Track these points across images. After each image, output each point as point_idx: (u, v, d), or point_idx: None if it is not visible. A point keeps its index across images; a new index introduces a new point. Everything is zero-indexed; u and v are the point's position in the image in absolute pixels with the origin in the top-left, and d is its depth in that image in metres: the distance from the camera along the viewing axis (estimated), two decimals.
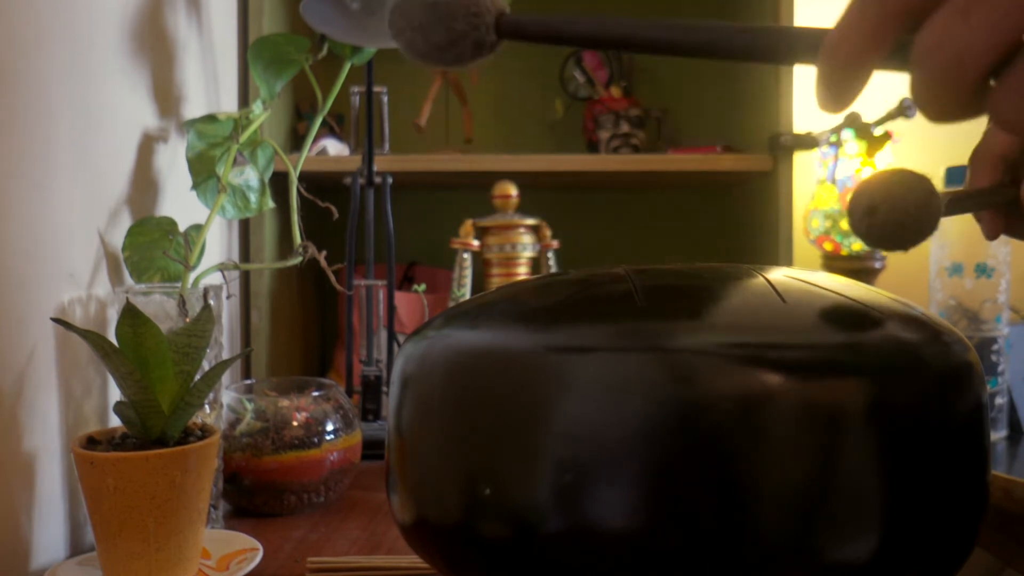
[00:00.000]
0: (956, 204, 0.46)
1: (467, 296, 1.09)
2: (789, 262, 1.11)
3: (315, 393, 0.78)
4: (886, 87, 1.31)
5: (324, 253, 0.78)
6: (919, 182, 0.41)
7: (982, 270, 0.82)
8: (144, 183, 0.79)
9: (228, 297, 0.73)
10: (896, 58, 0.31)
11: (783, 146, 1.10)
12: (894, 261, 1.20)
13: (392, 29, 0.38)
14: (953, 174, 0.84)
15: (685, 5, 1.37)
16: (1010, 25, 0.27)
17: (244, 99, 1.07)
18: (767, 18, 1.14)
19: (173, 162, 0.83)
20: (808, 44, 0.34)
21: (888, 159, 1.16)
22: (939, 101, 0.30)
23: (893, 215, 0.40)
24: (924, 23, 0.29)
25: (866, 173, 1.14)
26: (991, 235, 0.48)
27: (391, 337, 1.01)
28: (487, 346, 0.40)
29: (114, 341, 0.55)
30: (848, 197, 0.44)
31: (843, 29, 0.32)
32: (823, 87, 0.33)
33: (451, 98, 1.30)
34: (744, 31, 0.36)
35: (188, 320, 0.65)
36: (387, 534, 0.70)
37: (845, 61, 0.32)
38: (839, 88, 0.32)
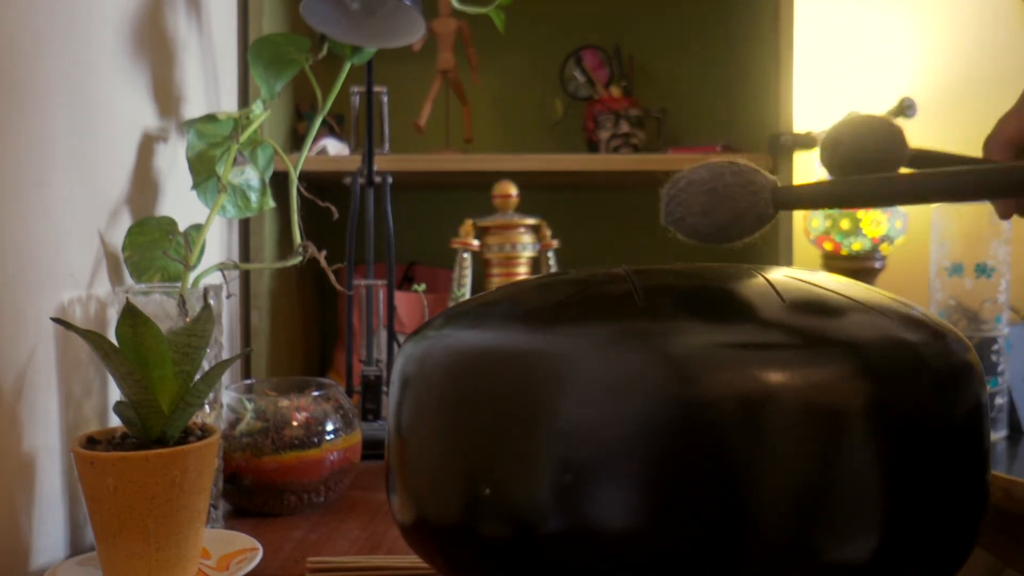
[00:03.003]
0: (930, 157, 0.48)
1: (467, 296, 1.09)
2: (789, 262, 1.11)
3: (315, 393, 0.78)
4: (886, 87, 1.31)
5: (324, 253, 0.78)
6: (885, 126, 0.44)
7: (982, 270, 0.82)
8: (144, 183, 0.79)
9: (228, 297, 0.73)
10: None
11: (783, 146, 1.10)
12: (894, 261, 1.21)
13: (669, 218, 0.42)
14: None
15: (684, 5, 1.37)
16: None
17: (244, 99, 1.07)
18: (767, 17, 1.14)
19: (173, 162, 0.83)
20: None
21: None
22: None
23: (855, 150, 0.44)
24: None
25: None
26: (1004, 215, 0.50)
27: (391, 337, 1.01)
28: (487, 346, 0.40)
29: (114, 341, 0.55)
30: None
31: None
32: None
33: (451, 98, 1.30)
34: (1010, 170, 0.38)
35: (188, 320, 0.65)
36: (387, 534, 0.70)
37: None
38: None
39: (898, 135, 0.45)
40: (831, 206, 0.42)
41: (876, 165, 0.44)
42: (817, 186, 0.42)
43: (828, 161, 0.45)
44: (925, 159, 0.47)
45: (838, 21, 1.35)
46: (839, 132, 0.45)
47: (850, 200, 0.41)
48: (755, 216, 0.40)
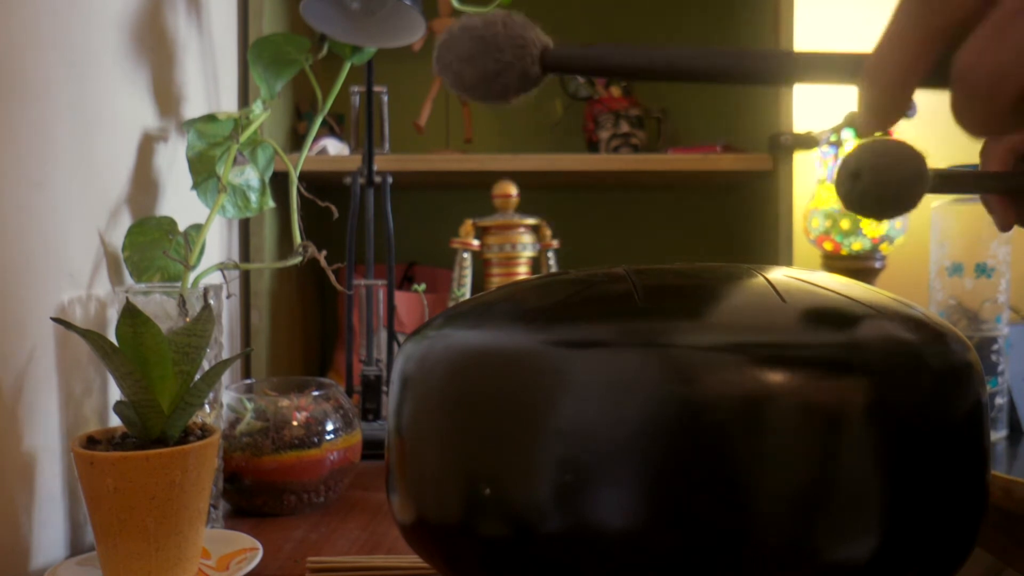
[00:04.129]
0: (951, 181, 0.46)
1: (467, 296, 1.09)
2: (789, 262, 1.11)
3: (315, 393, 0.78)
4: None
5: (324, 253, 0.78)
6: (908, 154, 0.42)
7: (982, 270, 0.82)
8: (144, 183, 0.79)
9: (228, 297, 0.73)
10: (936, 77, 0.32)
11: (783, 146, 1.10)
12: (894, 261, 1.21)
13: (438, 64, 0.39)
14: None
15: (684, 4, 1.37)
16: None
17: (244, 99, 1.07)
18: (767, 17, 1.14)
19: (173, 162, 0.83)
20: (847, 66, 0.34)
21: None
22: (978, 117, 0.32)
23: (876, 185, 0.41)
24: (963, 42, 0.30)
25: None
26: (1004, 226, 0.49)
27: (391, 337, 1.01)
28: (487, 346, 0.40)
29: (114, 341, 0.55)
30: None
31: (884, 50, 0.32)
32: (868, 110, 0.33)
33: (451, 98, 1.30)
34: (783, 56, 0.36)
35: (188, 320, 0.65)
36: (387, 534, 0.70)
37: (889, 82, 0.32)
38: (884, 110, 0.33)
39: (917, 159, 0.42)
40: (603, 73, 0.40)
41: (901, 199, 0.42)
42: (591, 49, 0.39)
43: (847, 195, 0.42)
44: (946, 182, 0.46)
45: (838, 21, 1.35)
46: (858, 164, 0.42)
47: (620, 69, 0.39)
48: (520, 71, 0.38)
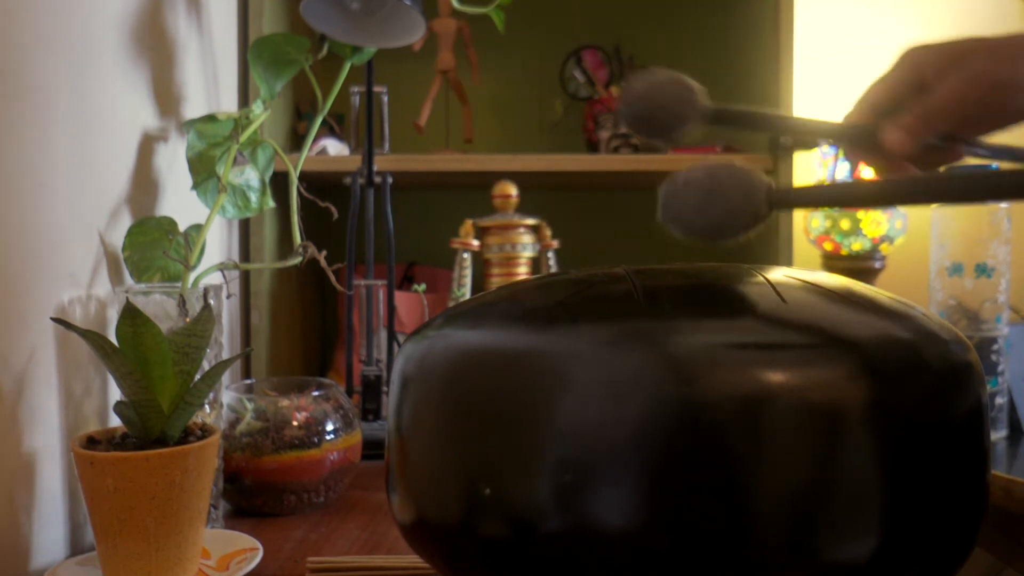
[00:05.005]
0: (728, 116, 0.52)
1: (467, 296, 1.09)
2: (789, 262, 1.11)
3: (315, 393, 0.78)
4: None
5: (324, 253, 0.78)
6: (674, 82, 0.48)
7: (982, 270, 0.82)
8: (144, 183, 0.79)
9: (228, 297, 0.73)
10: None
11: (783, 146, 1.10)
12: (894, 261, 1.21)
13: (667, 215, 0.43)
14: (952, 173, 0.84)
15: (684, 5, 1.37)
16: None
17: (244, 99, 1.07)
18: (767, 17, 1.14)
19: (173, 162, 0.83)
20: None
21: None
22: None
23: (645, 109, 0.47)
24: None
25: (866, 173, 1.14)
26: (853, 161, 0.55)
27: (391, 337, 1.01)
28: (487, 346, 0.40)
29: (114, 341, 0.55)
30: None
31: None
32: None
33: (451, 98, 1.30)
34: (998, 175, 0.39)
35: (188, 320, 0.65)
36: (387, 534, 0.70)
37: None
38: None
39: (689, 93, 0.47)
40: (825, 206, 0.43)
41: (668, 123, 0.47)
42: (812, 188, 0.43)
43: (624, 117, 0.47)
44: (726, 116, 0.49)
45: (838, 20, 1.35)
46: (634, 90, 0.47)
47: (842, 201, 0.43)
48: (750, 215, 0.41)
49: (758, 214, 0.41)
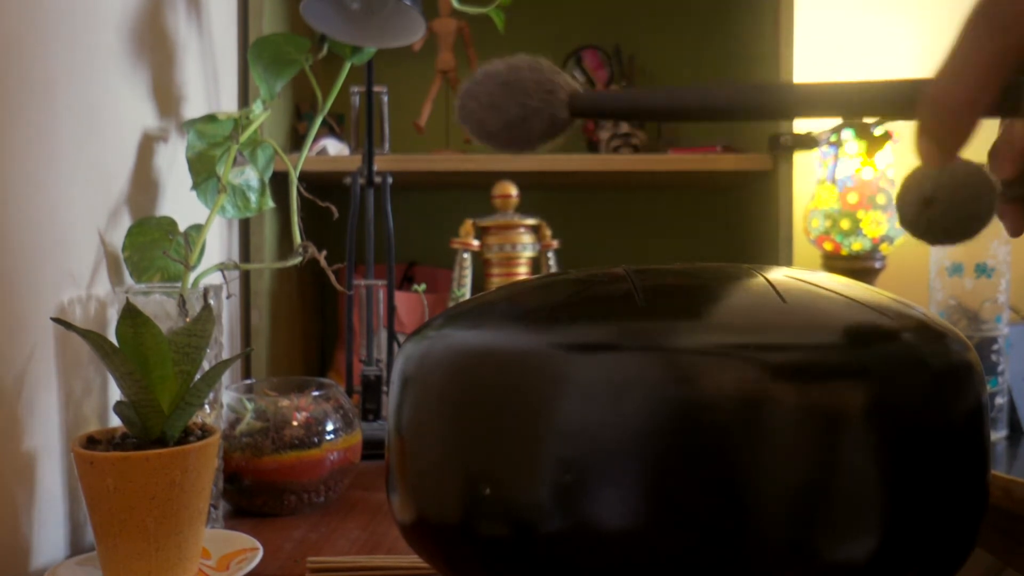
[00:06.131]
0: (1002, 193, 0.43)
1: (467, 296, 1.09)
2: (789, 262, 1.11)
3: (315, 393, 0.78)
4: None
5: (324, 253, 0.78)
6: (985, 187, 0.39)
7: (982, 270, 0.82)
8: (144, 183, 0.79)
9: (228, 297, 0.73)
10: (1005, 103, 0.30)
11: (783, 146, 1.10)
12: (894, 261, 1.21)
13: (461, 112, 0.38)
14: None
15: (684, 5, 1.37)
16: None
17: (244, 99, 1.07)
18: (767, 17, 1.14)
19: (173, 162, 0.83)
20: (901, 97, 0.33)
21: (888, 159, 1.16)
22: None
23: (948, 217, 0.39)
24: None
25: (866, 173, 1.14)
26: (1015, 231, 0.47)
27: (391, 337, 1.01)
28: (487, 346, 0.40)
29: (114, 341, 0.55)
30: (896, 190, 0.42)
31: (948, 76, 0.30)
32: (931, 141, 0.31)
33: (451, 98, 1.30)
34: (822, 88, 0.35)
35: (188, 320, 0.65)
36: (387, 534, 0.70)
37: (954, 110, 0.30)
38: (949, 140, 0.31)
39: (994, 188, 0.39)
40: (632, 117, 0.39)
41: (965, 233, 0.39)
42: (617, 94, 0.38)
43: (913, 218, 0.39)
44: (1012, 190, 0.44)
45: (838, 21, 1.35)
46: (934, 190, 0.39)
47: (652, 111, 0.38)
48: (547, 116, 0.37)
49: (556, 117, 0.37)
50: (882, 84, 0.34)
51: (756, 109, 0.36)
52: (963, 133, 0.31)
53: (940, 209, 0.39)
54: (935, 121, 0.31)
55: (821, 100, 0.35)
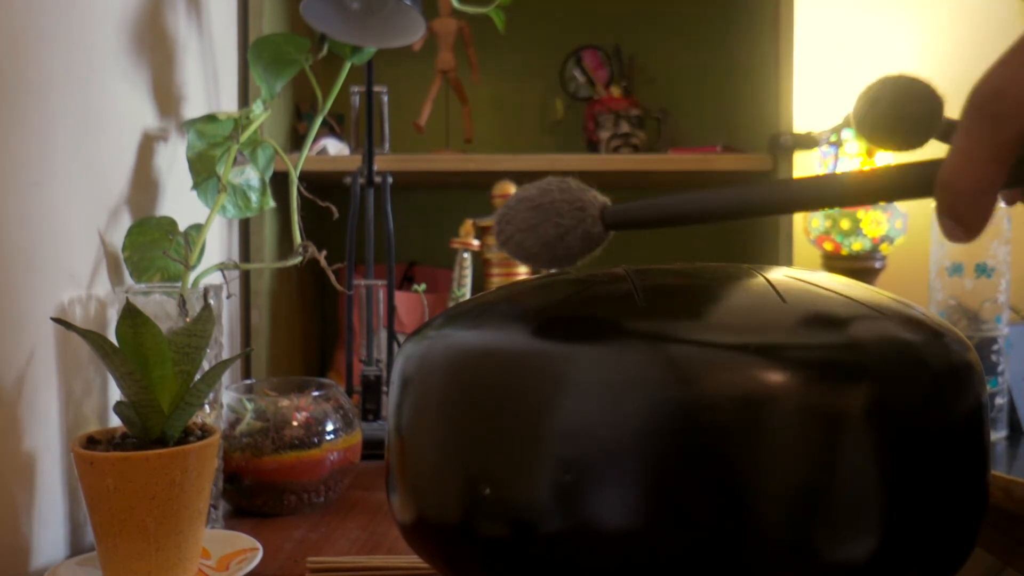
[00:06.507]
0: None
1: (467, 296, 1.09)
2: (789, 262, 1.11)
3: (315, 393, 0.78)
4: None
5: (324, 253, 0.78)
6: (927, 95, 0.42)
7: (982, 270, 0.82)
8: (144, 183, 0.79)
9: (228, 297, 0.73)
10: (1017, 177, 0.33)
11: (783, 146, 1.10)
12: (894, 261, 1.21)
13: (500, 238, 0.41)
14: None
15: (684, 5, 1.37)
16: None
17: (244, 99, 1.07)
18: (767, 17, 1.14)
19: (173, 162, 0.83)
20: (918, 181, 0.35)
21: (888, 159, 1.16)
22: None
23: (889, 116, 0.42)
24: None
25: None
26: (1010, 201, 0.50)
27: (391, 337, 1.01)
28: (487, 346, 0.40)
29: (114, 341, 0.55)
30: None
31: (957, 166, 0.32)
32: (952, 221, 0.33)
33: (451, 98, 1.30)
34: (851, 179, 0.37)
35: (188, 320, 0.65)
36: (387, 534, 0.70)
37: (968, 193, 0.32)
38: (968, 218, 0.33)
39: (939, 104, 0.43)
40: (662, 224, 0.41)
41: (909, 133, 0.43)
42: (646, 204, 0.40)
43: (861, 119, 0.43)
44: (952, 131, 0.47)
45: (838, 21, 1.35)
46: (880, 92, 0.43)
47: (682, 217, 0.40)
48: (582, 233, 0.40)
49: (591, 233, 0.40)
50: (898, 170, 0.36)
51: (774, 208, 0.39)
52: (983, 212, 0.33)
53: (882, 108, 0.42)
54: (954, 205, 0.33)
55: (836, 191, 0.37)
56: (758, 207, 0.39)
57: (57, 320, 0.55)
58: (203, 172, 0.76)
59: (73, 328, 0.54)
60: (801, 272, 0.43)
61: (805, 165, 1.26)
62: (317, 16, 0.84)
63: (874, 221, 1.14)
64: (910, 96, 0.42)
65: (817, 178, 0.38)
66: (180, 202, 0.83)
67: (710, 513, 0.34)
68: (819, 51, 1.33)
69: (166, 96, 0.83)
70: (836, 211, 1.15)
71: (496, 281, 1.08)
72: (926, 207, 1.09)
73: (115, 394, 0.69)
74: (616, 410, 0.35)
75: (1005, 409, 0.85)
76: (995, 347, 0.83)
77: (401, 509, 0.44)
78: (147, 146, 0.79)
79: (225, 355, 0.72)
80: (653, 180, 1.28)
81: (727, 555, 0.34)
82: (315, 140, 1.09)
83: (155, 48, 0.81)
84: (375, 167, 1.00)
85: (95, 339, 0.53)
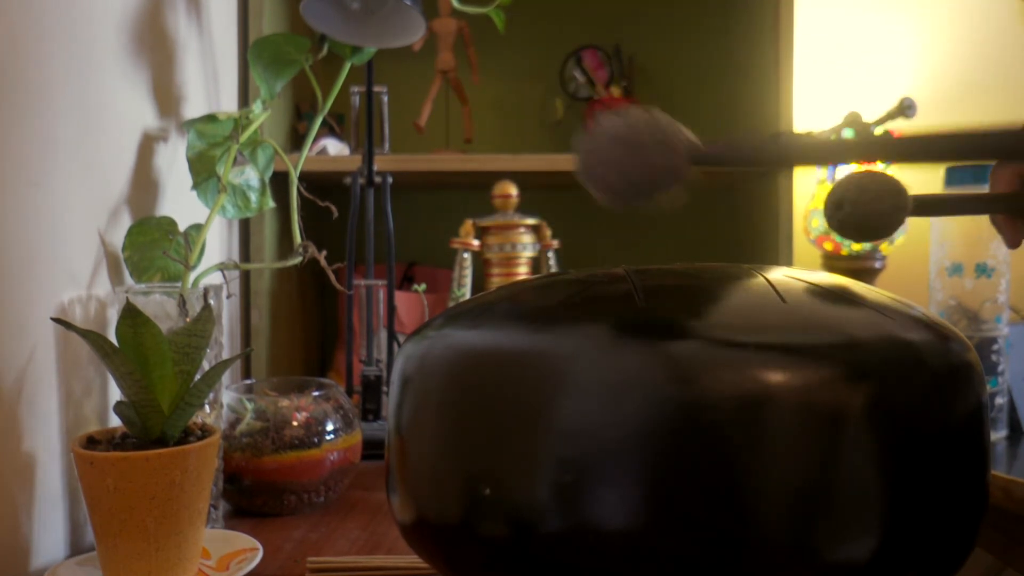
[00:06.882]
0: (932, 206, 0.50)
1: (467, 296, 1.09)
2: (789, 262, 1.11)
3: (315, 393, 0.78)
4: (886, 86, 1.31)
5: (324, 253, 0.78)
6: (888, 189, 0.44)
7: (982, 270, 0.82)
8: (144, 183, 0.79)
9: (228, 297, 0.73)
10: None
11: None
12: (894, 261, 1.21)
13: (583, 171, 0.40)
14: (952, 174, 0.84)
15: (684, 5, 1.37)
16: None
17: (244, 99, 1.07)
18: (767, 17, 1.14)
19: (173, 162, 0.83)
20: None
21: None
22: None
23: (855, 216, 0.44)
24: None
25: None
26: (1012, 243, 0.51)
27: (391, 337, 1.01)
28: (487, 346, 0.40)
29: (114, 341, 0.55)
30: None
31: None
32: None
33: (451, 98, 1.30)
34: (948, 135, 0.38)
35: (188, 320, 0.65)
36: (387, 534, 0.70)
37: None
38: None
39: (902, 193, 0.45)
40: (750, 165, 0.41)
41: (877, 229, 0.45)
42: (738, 143, 0.41)
43: (829, 220, 0.45)
44: (927, 207, 0.48)
45: (838, 21, 1.35)
46: (842, 195, 0.44)
47: (771, 160, 0.41)
48: (669, 171, 0.39)
49: (679, 171, 0.39)
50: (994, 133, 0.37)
51: (853, 157, 0.40)
52: None
53: (847, 210, 0.44)
54: None
55: (948, 147, 0.38)
56: (860, 154, 0.39)
57: (57, 320, 0.55)
58: (203, 172, 0.76)
59: (73, 328, 0.54)
60: (801, 272, 0.43)
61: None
62: (317, 16, 0.84)
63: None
64: (873, 195, 0.43)
65: (928, 135, 0.38)
66: (180, 202, 0.83)
67: (710, 513, 0.34)
68: (819, 51, 1.33)
69: (166, 96, 0.83)
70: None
71: (496, 281, 1.08)
72: None
73: (115, 394, 0.69)
74: (616, 410, 0.35)
75: (1005, 409, 0.85)
76: (995, 347, 0.83)
77: (401, 509, 0.44)
78: (147, 146, 0.79)
79: (225, 355, 0.72)
80: None
81: (727, 555, 0.34)
82: (315, 140, 1.09)
83: (155, 48, 0.81)
84: (375, 167, 1.00)
85: (95, 339, 0.53)
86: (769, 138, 0.40)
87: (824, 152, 0.40)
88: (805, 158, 0.40)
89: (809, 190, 1.23)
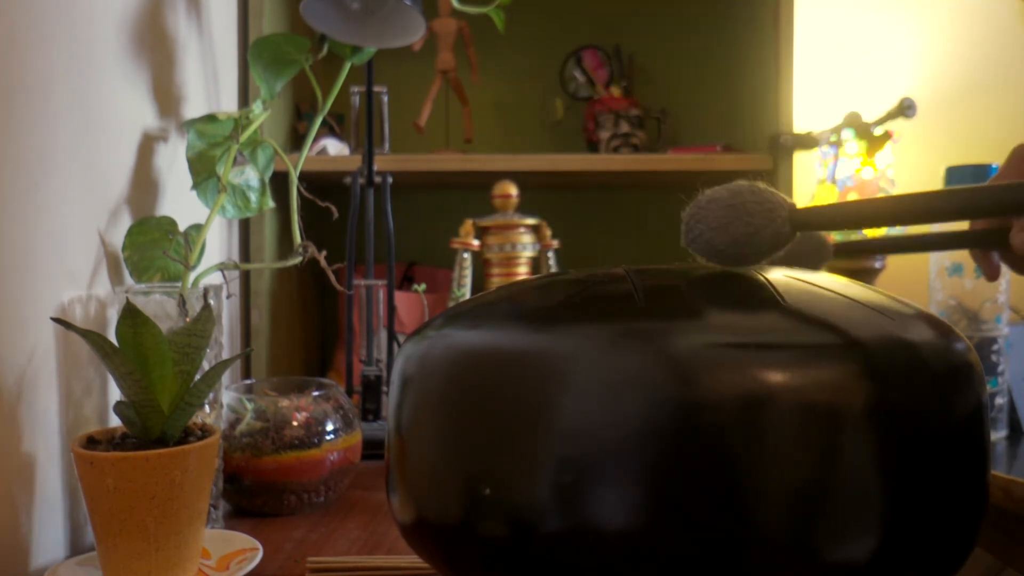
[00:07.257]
0: (911, 244, 0.56)
1: (467, 296, 1.09)
2: None
3: (315, 393, 0.78)
4: (886, 86, 1.31)
5: (324, 253, 0.78)
6: (809, 241, 0.48)
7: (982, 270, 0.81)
8: (144, 183, 0.79)
9: (228, 297, 0.73)
10: None
11: (783, 146, 1.10)
12: (894, 261, 1.21)
13: (690, 235, 0.42)
14: (952, 174, 0.84)
15: (684, 5, 1.37)
16: None
17: (244, 99, 1.07)
18: (767, 17, 1.14)
19: (173, 162, 0.83)
20: None
21: (888, 159, 1.16)
22: None
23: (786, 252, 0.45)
24: None
25: (866, 173, 1.14)
26: (991, 276, 0.54)
27: (391, 337, 1.01)
28: (487, 346, 0.40)
29: (114, 341, 0.55)
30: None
31: None
32: None
33: (451, 98, 1.30)
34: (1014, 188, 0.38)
35: (188, 320, 0.65)
36: (387, 534, 0.70)
37: None
38: None
39: (824, 244, 0.48)
40: (850, 227, 0.42)
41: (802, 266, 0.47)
42: (836, 207, 0.42)
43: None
44: (847, 248, 0.50)
45: (838, 21, 1.35)
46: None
47: (870, 220, 0.42)
48: (771, 233, 0.41)
49: (780, 233, 0.41)
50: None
51: (960, 213, 0.40)
52: None
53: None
54: None
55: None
56: (948, 213, 0.40)
57: (57, 320, 0.55)
58: (203, 172, 0.76)
59: (73, 328, 0.54)
60: (801, 272, 0.43)
61: (805, 165, 1.26)
62: (317, 16, 0.84)
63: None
64: (796, 252, 0.45)
65: (989, 188, 0.39)
66: (180, 202, 0.83)
67: (710, 513, 0.34)
68: (819, 51, 1.33)
69: (166, 96, 0.83)
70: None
71: (496, 281, 1.08)
72: None
73: (115, 394, 0.69)
74: (616, 410, 0.35)
75: (1005, 409, 0.85)
76: (995, 347, 0.83)
77: (401, 509, 0.44)
78: (147, 146, 0.79)
79: (225, 355, 0.72)
80: (653, 180, 1.28)
81: (727, 555, 0.34)
82: (315, 140, 1.09)
83: (155, 48, 0.81)
84: (375, 167, 1.00)
85: (95, 339, 0.53)
86: (871, 200, 0.41)
87: (936, 209, 0.40)
88: (915, 217, 0.41)
89: (809, 190, 1.23)
